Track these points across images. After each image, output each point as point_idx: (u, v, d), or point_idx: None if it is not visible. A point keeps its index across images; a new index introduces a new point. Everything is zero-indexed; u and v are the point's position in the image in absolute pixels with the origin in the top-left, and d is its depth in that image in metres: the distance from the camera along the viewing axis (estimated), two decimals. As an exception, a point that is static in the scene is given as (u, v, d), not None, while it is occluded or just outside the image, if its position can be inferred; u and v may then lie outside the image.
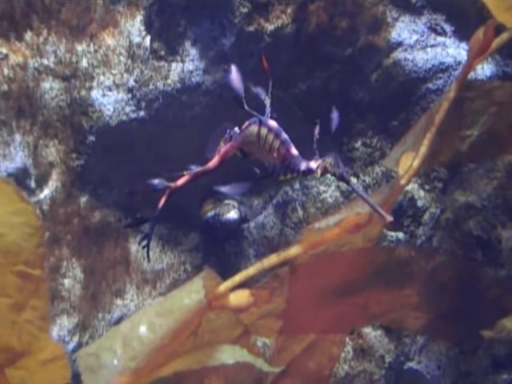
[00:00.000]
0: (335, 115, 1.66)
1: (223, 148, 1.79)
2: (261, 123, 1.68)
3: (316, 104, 3.70)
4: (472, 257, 3.54)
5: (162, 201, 1.72)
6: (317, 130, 1.69)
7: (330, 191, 3.66)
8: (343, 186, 3.65)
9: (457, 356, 3.59)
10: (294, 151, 1.67)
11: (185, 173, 1.72)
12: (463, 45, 3.65)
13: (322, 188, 3.68)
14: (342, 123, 3.69)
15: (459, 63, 3.59)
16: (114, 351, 2.61)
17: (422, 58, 3.61)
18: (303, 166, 1.65)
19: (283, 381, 3.20)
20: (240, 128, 1.75)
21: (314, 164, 1.63)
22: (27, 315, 2.41)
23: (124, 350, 2.60)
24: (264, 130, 1.68)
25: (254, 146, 1.73)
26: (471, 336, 3.22)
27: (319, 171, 1.62)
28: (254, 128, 1.70)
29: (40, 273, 2.45)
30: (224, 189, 1.77)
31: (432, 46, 3.65)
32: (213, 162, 1.79)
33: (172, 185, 1.72)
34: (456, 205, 3.60)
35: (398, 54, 3.63)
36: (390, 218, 1.58)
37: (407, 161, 2.86)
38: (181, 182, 1.73)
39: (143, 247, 1.73)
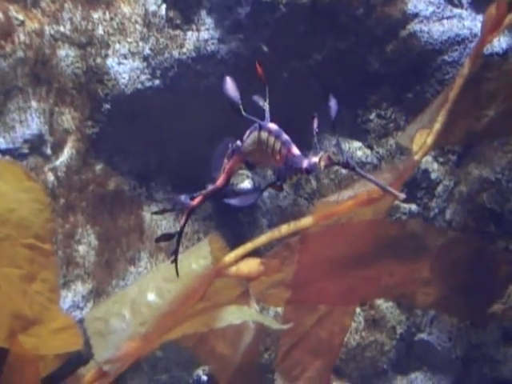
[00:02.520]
0: (333, 103, 1.63)
1: (228, 165, 1.74)
2: (260, 128, 1.65)
3: (331, 75, 3.70)
4: (485, 229, 3.55)
5: (183, 219, 1.72)
6: (315, 124, 1.66)
7: (343, 162, 3.66)
8: (357, 157, 3.66)
9: (468, 328, 3.61)
10: (296, 150, 1.61)
11: (195, 194, 1.72)
12: (479, 17, 3.63)
13: (335, 159, 3.68)
14: (357, 94, 3.70)
15: (475, 35, 3.58)
16: (123, 316, 2.62)
17: (438, 30, 3.60)
18: (305, 163, 1.57)
19: (295, 350, 3.22)
20: (241, 140, 1.72)
21: (315, 158, 1.61)
22: (37, 287, 2.46)
23: (133, 315, 2.62)
24: (264, 134, 1.64)
25: (257, 153, 1.70)
26: (481, 313, 3.23)
27: (322, 163, 1.59)
28: (255, 134, 1.68)
29: (50, 247, 2.51)
30: (233, 201, 1.75)
31: (448, 17, 3.64)
32: (220, 181, 1.74)
33: (190, 204, 1.72)
34: (470, 178, 3.61)
35: (414, 26, 3.61)
36: (402, 196, 1.57)
37: (421, 137, 2.86)
38: (196, 201, 1.73)
39: (172, 262, 1.74)
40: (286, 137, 1.61)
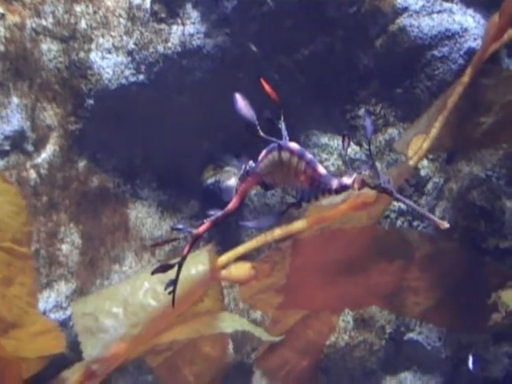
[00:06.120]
0: (368, 122, 1.55)
1: (241, 187, 1.63)
2: (281, 148, 1.56)
3: (319, 70, 3.65)
4: (475, 227, 3.51)
5: (187, 248, 1.61)
6: (346, 144, 1.57)
7: (332, 159, 3.62)
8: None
9: (457, 327, 3.58)
10: (322, 170, 1.52)
11: (205, 220, 1.61)
12: (470, 11, 3.59)
13: (324, 156, 3.63)
14: (346, 90, 3.65)
15: (466, 30, 3.53)
16: (115, 316, 2.58)
17: (428, 25, 3.54)
18: (335, 183, 1.52)
19: (280, 349, 3.19)
20: (255, 161, 1.62)
21: (347, 179, 1.52)
22: (15, 291, 2.44)
23: (126, 316, 2.58)
24: (286, 155, 1.56)
25: (277, 174, 1.61)
26: (470, 325, 3.21)
27: (356, 185, 1.50)
28: (275, 154, 1.58)
29: (27, 250, 2.48)
30: (251, 224, 1.67)
31: (438, 12, 3.58)
32: (232, 204, 1.62)
33: (194, 232, 1.60)
34: (460, 175, 3.56)
35: (404, 20, 3.56)
36: (446, 225, 1.49)
37: (417, 142, 2.84)
38: (202, 228, 1.60)
39: (169, 293, 1.63)
40: (310, 156, 1.53)
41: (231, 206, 1.62)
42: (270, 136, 1.53)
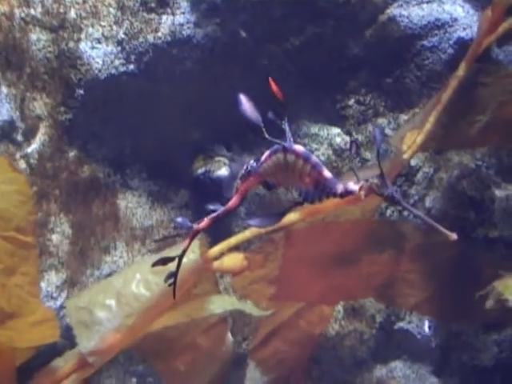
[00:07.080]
0: (377, 132, 1.55)
1: (242, 186, 1.63)
2: (286, 150, 1.60)
3: (309, 59, 3.65)
4: (465, 217, 3.52)
5: (186, 242, 1.62)
6: (354, 150, 1.58)
7: (322, 149, 3.62)
8: (336, 144, 3.61)
9: (447, 316, 3.59)
10: (327, 173, 1.51)
11: (205, 218, 1.61)
12: (459, 1, 3.59)
13: (314, 146, 3.63)
14: (336, 80, 3.65)
15: (455, 20, 3.53)
16: (109, 307, 2.60)
17: (418, 15, 3.55)
18: (340, 188, 1.53)
19: (273, 340, 3.19)
20: (257, 161, 1.63)
21: (354, 185, 1.53)
22: (17, 280, 2.43)
23: (119, 307, 2.59)
24: (291, 157, 1.54)
25: (281, 175, 1.59)
26: (463, 315, 3.22)
27: (363, 193, 1.52)
28: (279, 156, 1.56)
29: (32, 240, 2.47)
30: (253, 222, 1.67)
31: (428, 1, 3.59)
32: (233, 202, 1.63)
33: (195, 227, 1.61)
34: (450, 164, 3.57)
35: (394, 10, 3.56)
36: (454, 237, 1.49)
37: (412, 137, 2.85)
38: (203, 225, 1.61)
39: (169, 285, 1.64)
40: (315, 159, 1.53)
41: (232, 203, 1.63)
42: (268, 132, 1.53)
